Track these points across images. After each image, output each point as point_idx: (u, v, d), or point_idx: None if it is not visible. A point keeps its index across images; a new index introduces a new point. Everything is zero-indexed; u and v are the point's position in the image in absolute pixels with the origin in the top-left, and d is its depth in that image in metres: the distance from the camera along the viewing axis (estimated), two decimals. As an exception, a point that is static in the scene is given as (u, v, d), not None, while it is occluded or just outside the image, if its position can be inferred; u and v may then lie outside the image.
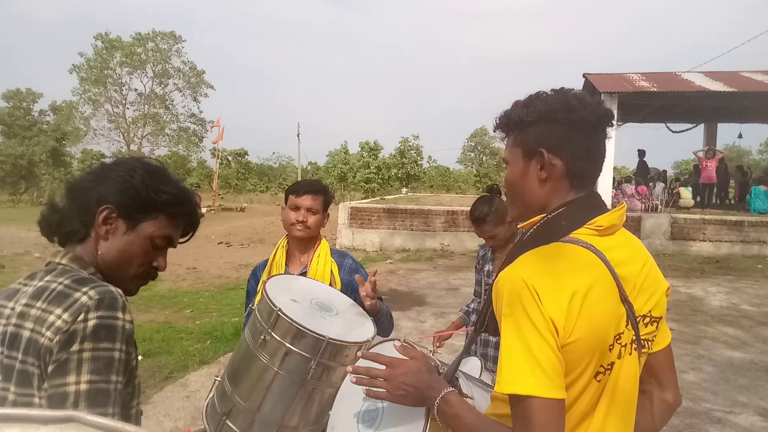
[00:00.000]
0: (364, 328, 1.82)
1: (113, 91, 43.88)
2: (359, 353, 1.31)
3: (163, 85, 45.22)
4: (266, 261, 2.44)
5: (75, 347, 1.04)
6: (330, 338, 1.60)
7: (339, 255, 2.41)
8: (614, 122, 1.19)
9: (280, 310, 1.61)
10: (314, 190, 2.36)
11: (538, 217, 1.15)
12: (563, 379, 1.00)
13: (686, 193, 16.87)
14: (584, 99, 1.15)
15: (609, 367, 1.08)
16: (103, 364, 1.06)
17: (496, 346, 2.20)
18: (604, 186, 16.14)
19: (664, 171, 20.78)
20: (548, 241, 1.09)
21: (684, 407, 4.55)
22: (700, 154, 17.66)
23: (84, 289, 1.09)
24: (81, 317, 1.05)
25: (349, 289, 2.24)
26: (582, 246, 1.08)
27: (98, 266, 1.23)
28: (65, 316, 1.06)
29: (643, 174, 18.49)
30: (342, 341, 1.63)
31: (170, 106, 45.55)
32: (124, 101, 44.42)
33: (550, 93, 1.18)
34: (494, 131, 1.26)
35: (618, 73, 18.73)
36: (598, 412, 1.09)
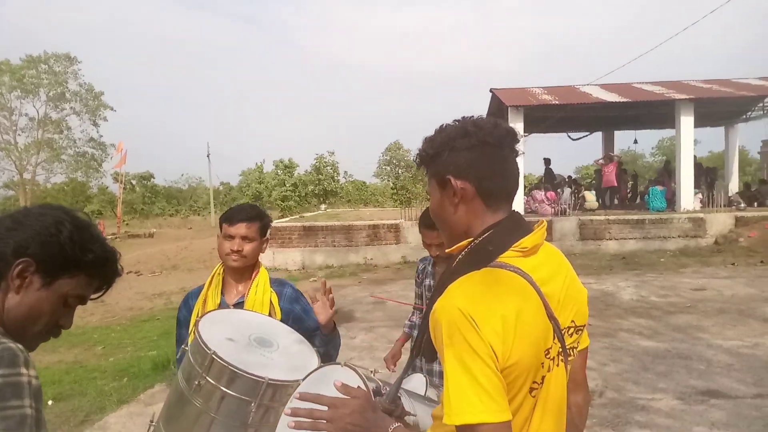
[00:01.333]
0: (306, 362, 1.72)
1: (2, 117, 40.48)
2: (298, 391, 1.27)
3: (59, 110, 42.24)
4: (200, 287, 2.29)
5: None
6: (270, 379, 1.50)
7: (278, 284, 2.30)
8: (520, 138, 1.25)
9: (214, 353, 1.50)
10: (248, 217, 2.22)
11: (465, 242, 1.18)
12: (506, 400, 1.02)
13: (591, 197, 17.89)
14: (481, 124, 1.20)
15: (541, 381, 1.11)
16: (15, 422, 0.96)
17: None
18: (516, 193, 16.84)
19: (569, 176, 22.00)
20: (478, 267, 1.11)
21: (610, 398, 4.75)
22: (601, 161, 18.84)
23: None
24: None
25: (290, 318, 2.15)
26: (511, 270, 1.10)
27: (1, 319, 1.11)
28: None
29: (550, 180, 19.49)
30: (283, 381, 1.53)
31: (66, 131, 42.55)
32: (14, 128, 41.04)
33: (450, 124, 1.23)
34: (418, 169, 1.32)
35: (522, 88, 19.71)
36: (533, 425, 1.12)
